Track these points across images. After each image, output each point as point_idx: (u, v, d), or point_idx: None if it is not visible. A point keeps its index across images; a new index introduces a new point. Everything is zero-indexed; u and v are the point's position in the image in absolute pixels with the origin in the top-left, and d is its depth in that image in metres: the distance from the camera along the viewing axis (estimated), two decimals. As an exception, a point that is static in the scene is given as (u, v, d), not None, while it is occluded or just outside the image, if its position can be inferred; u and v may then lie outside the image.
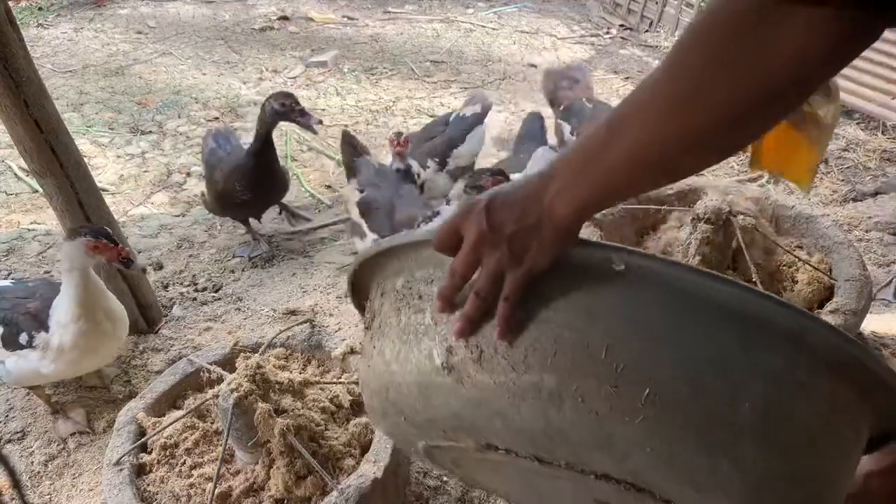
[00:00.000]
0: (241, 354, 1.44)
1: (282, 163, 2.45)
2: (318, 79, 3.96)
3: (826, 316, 1.52)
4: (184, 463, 1.37)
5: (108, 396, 1.82)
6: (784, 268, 1.72)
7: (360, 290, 0.82)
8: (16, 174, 2.96)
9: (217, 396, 1.31)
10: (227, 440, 1.27)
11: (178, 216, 2.72)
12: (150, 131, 3.36)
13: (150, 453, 1.39)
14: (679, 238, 1.76)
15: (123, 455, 1.34)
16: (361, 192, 2.22)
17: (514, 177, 1.71)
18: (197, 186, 2.90)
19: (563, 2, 5.18)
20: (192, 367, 1.55)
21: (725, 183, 2.01)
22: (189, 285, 2.29)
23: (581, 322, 0.59)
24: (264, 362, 1.34)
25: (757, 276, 1.61)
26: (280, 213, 2.65)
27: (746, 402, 0.55)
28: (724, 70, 0.54)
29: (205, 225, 2.64)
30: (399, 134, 2.31)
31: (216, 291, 2.27)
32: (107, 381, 1.86)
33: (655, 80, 0.57)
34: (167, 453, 1.39)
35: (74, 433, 1.71)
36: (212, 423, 1.45)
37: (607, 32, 4.57)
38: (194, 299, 2.21)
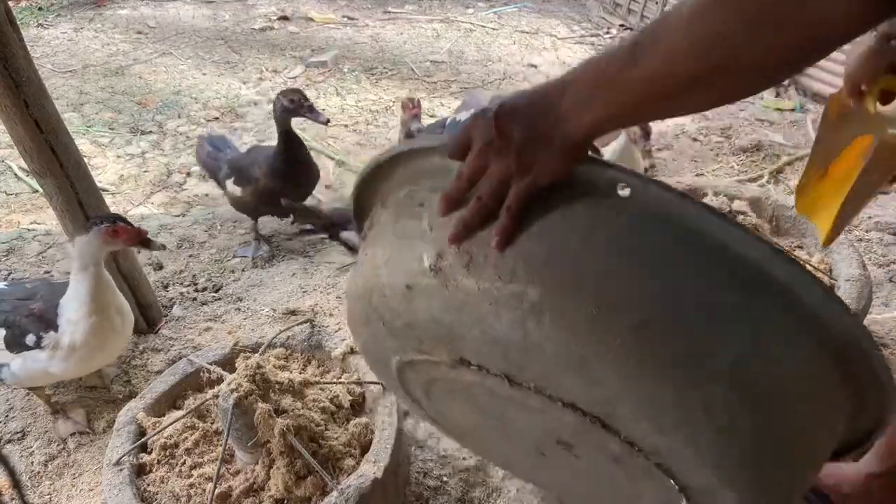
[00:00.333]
0: (241, 354, 1.43)
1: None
2: (318, 79, 3.96)
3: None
4: (184, 463, 1.37)
5: (108, 396, 1.82)
6: (784, 268, 1.72)
7: (363, 211, 0.80)
8: (16, 174, 2.97)
9: (217, 396, 1.31)
10: (227, 440, 1.27)
11: (178, 216, 2.72)
12: (150, 131, 3.36)
13: (150, 453, 1.39)
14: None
15: (123, 455, 1.34)
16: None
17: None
18: (197, 187, 2.90)
19: (563, 2, 5.18)
20: (192, 367, 1.55)
21: (726, 183, 2.01)
22: (189, 285, 2.29)
23: (576, 241, 0.58)
24: (264, 362, 1.34)
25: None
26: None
27: (727, 347, 0.54)
28: (750, 22, 0.54)
29: (205, 225, 2.63)
30: (412, 99, 2.48)
31: (216, 291, 2.27)
32: (107, 381, 1.86)
33: (681, 16, 0.57)
34: (167, 453, 1.39)
35: (74, 433, 1.71)
36: (212, 423, 1.44)
37: (607, 32, 4.57)
38: (194, 299, 2.21)
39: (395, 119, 3.51)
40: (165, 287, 2.26)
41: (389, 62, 4.17)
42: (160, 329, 2.04)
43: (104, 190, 2.47)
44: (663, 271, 0.56)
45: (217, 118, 3.49)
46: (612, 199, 0.59)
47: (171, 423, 1.41)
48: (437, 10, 5.06)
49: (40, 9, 4.98)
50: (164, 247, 1.66)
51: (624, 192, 0.58)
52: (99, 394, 1.83)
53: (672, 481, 0.61)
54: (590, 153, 0.63)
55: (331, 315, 2.11)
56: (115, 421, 1.45)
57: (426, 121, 3.16)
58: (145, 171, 3.03)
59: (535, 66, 4.09)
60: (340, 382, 1.51)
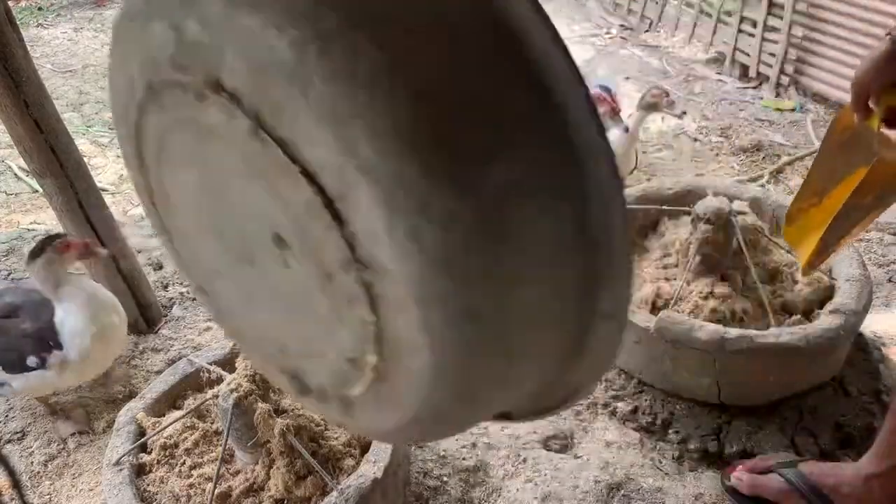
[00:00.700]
0: (241, 354, 1.44)
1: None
2: (318, 79, 3.96)
3: (826, 316, 1.52)
4: (184, 463, 1.37)
5: (108, 396, 1.82)
6: (784, 268, 1.72)
7: None
8: (16, 174, 2.97)
9: (217, 396, 1.31)
10: (226, 440, 1.27)
11: (178, 216, 2.72)
12: (150, 131, 3.36)
13: (149, 453, 1.40)
14: (679, 238, 1.76)
15: (123, 455, 1.34)
16: None
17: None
18: (197, 186, 2.90)
19: (563, 2, 5.18)
20: (191, 367, 1.55)
21: (726, 183, 2.01)
22: (189, 285, 2.29)
23: None
24: (264, 362, 1.34)
25: (757, 276, 1.61)
26: None
27: None
28: None
29: (205, 225, 2.63)
30: None
31: (216, 291, 2.27)
32: (114, 376, 1.86)
33: None
34: (167, 453, 1.39)
35: (74, 433, 1.71)
36: (212, 423, 1.45)
37: (607, 32, 4.57)
38: (194, 299, 2.21)
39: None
40: (165, 287, 2.26)
41: (389, 62, 4.17)
42: (160, 329, 2.05)
43: (104, 190, 2.47)
44: None
45: (217, 118, 3.50)
46: None
47: (171, 423, 1.41)
48: (437, 10, 5.07)
49: (40, 9, 4.98)
50: (111, 255, 1.71)
51: None
52: (99, 394, 1.83)
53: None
54: None
55: (331, 315, 2.11)
56: (114, 421, 1.46)
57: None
58: (145, 171, 3.03)
59: (535, 66, 4.09)
60: (340, 382, 1.51)
